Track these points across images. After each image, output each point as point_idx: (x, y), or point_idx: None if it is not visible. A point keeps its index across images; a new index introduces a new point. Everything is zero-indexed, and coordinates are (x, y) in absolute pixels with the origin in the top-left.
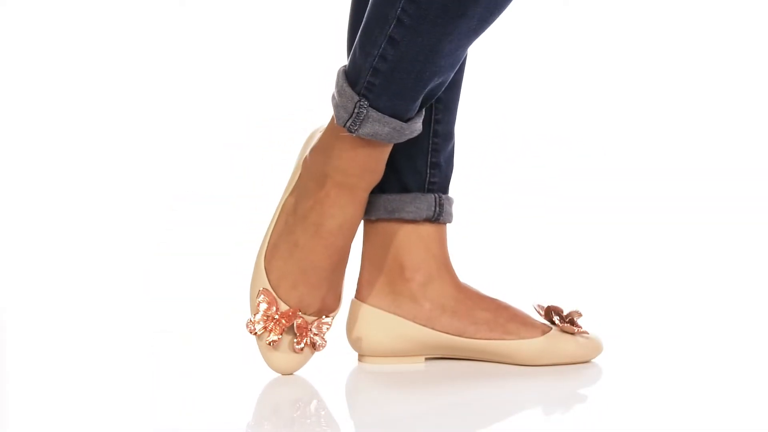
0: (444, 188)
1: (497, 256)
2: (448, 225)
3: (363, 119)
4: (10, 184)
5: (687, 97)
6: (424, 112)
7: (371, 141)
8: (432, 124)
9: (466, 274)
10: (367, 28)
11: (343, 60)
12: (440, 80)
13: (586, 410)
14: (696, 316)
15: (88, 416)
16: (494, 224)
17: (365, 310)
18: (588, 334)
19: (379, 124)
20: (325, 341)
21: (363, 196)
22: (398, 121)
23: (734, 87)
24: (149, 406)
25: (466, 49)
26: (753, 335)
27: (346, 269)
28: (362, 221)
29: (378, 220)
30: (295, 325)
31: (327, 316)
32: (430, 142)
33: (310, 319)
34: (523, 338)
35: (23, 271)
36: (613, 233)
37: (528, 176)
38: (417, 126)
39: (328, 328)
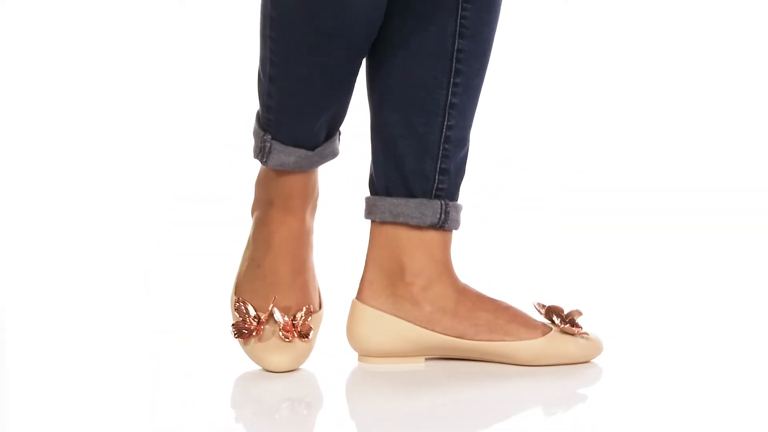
0: (452, 195)
1: (500, 256)
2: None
3: (269, 152)
4: (10, 184)
5: (688, 100)
6: (338, 138)
7: (293, 172)
8: (444, 130)
9: (469, 274)
10: (259, 66)
11: None
12: (334, 109)
13: (586, 410)
14: (696, 317)
15: (88, 416)
16: (496, 225)
17: (366, 311)
18: (588, 335)
19: (284, 155)
20: (311, 327)
21: (303, 212)
22: (303, 150)
23: (735, 89)
24: (149, 406)
25: (351, 78)
26: (752, 336)
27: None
28: (369, 222)
29: (383, 222)
30: (279, 315)
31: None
32: (441, 148)
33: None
34: (523, 339)
35: (23, 271)
36: (614, 234)
37: (530, 178)
38: (329, 151)
39: (309, 316)
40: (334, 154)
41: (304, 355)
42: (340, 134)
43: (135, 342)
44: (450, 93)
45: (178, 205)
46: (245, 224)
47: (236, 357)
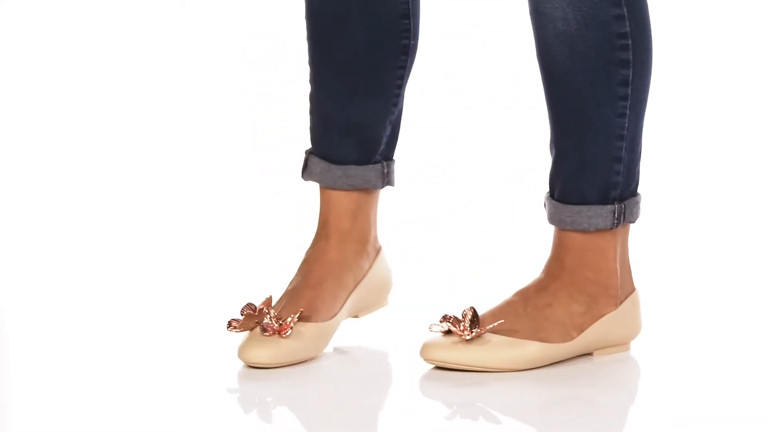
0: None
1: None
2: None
3: (304, 164)
4: (10, 184)
5: (687, 98)
6: (383, 173)
7: (327, 191)
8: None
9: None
10: None
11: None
12: (359, 120)
13: (586, 410)
14: (697, 316)
15: (88, 416)
16: (500, 220)
17: None
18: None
19: (312, 165)
20: (292, 328)
21: (336, 239)
22: (327, 163)
23: (736, 88)
24: (148, 406)
25: (371, 79)
26: (754, 336)
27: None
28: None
29: None
30: (266, 312)
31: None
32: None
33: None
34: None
35: (23, 271)
36: None
37: (531, 177)
38: (359, 175)
39: (292, 320)
40: (366, 180)
41: (286, 355)
42: (387, 174)
43: (135, 342)
44: None
45: (179, 206)
46: (246, 224)
47: (236, 356)
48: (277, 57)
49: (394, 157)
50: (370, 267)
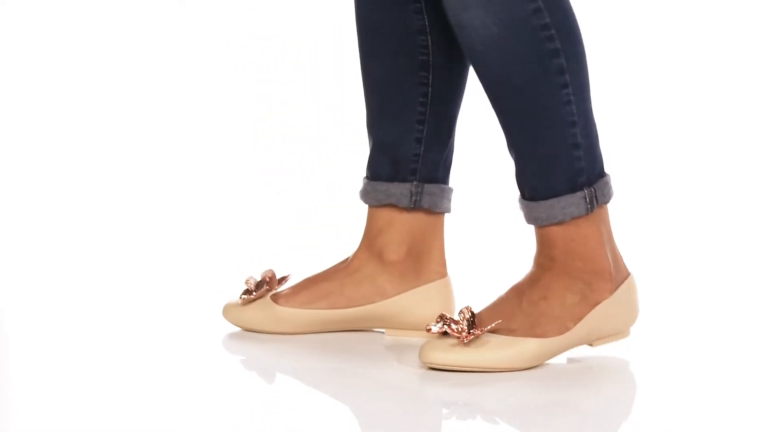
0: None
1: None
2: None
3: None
4: (10, 184)
5: (687, 98)
6: (411, 195)
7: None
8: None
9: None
10: None
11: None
12: (389, 137)
13: (585, 410)
14: (697, 313)
15: (88, 417)
16: (501, 221)
17: None
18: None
19: (363, 182)
20: (266, 288)
21: (359, 250)
22: (366, 179)
23: (736, 89)
24: (148, 406)
25: (399, 94)
26: (753, 334)
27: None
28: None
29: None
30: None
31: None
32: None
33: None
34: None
35: (23, 271)
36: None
37: None
38: (390, 192)
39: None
40: (389, 195)
41: (236, 319)
42: (418, 194)
43: (135, 342)
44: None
45: (179, 205)
46: (246, 224)
47: (236, 356)
48: (277, 57)
49: (450, 184)
50: (398, 294)
